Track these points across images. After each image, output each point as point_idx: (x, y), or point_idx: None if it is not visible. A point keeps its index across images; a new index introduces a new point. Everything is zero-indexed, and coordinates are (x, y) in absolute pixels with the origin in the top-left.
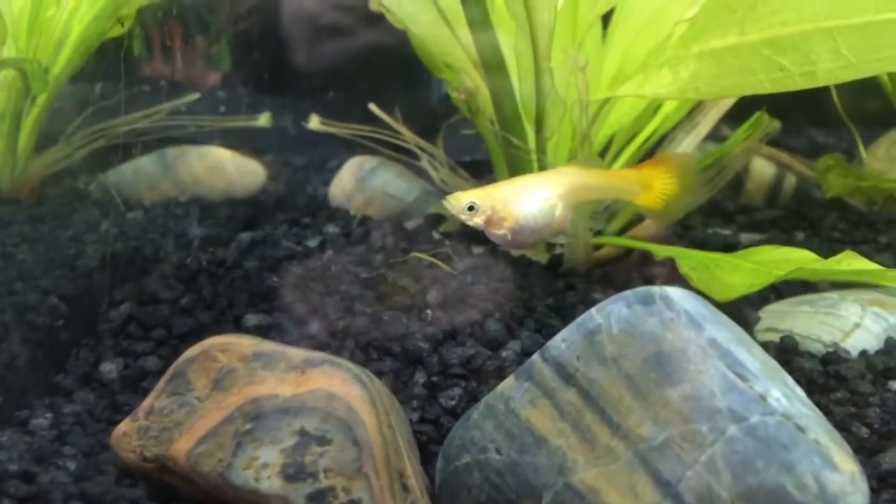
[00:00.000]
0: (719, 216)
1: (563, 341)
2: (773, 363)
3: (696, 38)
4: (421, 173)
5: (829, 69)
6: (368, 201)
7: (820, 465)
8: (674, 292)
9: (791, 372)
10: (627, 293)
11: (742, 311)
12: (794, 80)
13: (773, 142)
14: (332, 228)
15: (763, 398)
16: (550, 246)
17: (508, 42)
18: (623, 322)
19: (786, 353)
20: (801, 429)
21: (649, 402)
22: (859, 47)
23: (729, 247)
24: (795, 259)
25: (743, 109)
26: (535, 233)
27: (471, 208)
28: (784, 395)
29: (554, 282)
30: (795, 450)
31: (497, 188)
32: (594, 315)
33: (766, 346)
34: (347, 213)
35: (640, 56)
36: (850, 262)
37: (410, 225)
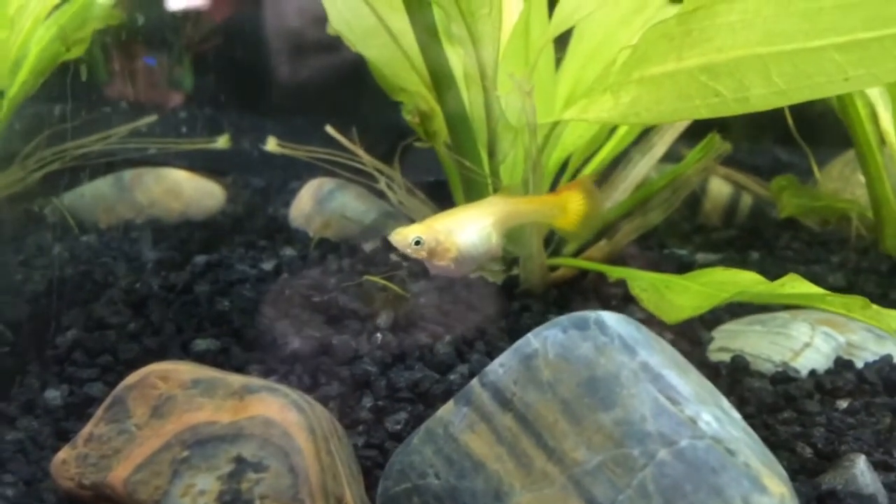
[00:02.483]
0: (676, 236)
1: (501, 366)
2: (710, 386)
3: (636, 65)
4: (383, 195)
5: (761, 95)
6: (326, 223)
7: (749, 488)
8: (608, 317)
9: (741, 392)
10: (563, 318)
11: (695, 330)
12: (728, 105)
13: (738, 161)
14: (288, 251)
15: (693, 421)
16: (507, 267)
17: (460, 65)
18: (559, 347)
19: (736, 372)
20: (730, 452)
21: (583, 427)
22: (790, 74)
23: (684, 267)
24: (742, 281)
25: (706, 129)
26: (475, 260)
27: (417, 243)
28: (715, 418)
29: (509, 303)
30: (724, 473)
31: (437, 221)
32: (531, 340)
33: (717, 365)
34: (306, 235)
35: (589, 81)
36: (793, 286)
37: (368, 247)
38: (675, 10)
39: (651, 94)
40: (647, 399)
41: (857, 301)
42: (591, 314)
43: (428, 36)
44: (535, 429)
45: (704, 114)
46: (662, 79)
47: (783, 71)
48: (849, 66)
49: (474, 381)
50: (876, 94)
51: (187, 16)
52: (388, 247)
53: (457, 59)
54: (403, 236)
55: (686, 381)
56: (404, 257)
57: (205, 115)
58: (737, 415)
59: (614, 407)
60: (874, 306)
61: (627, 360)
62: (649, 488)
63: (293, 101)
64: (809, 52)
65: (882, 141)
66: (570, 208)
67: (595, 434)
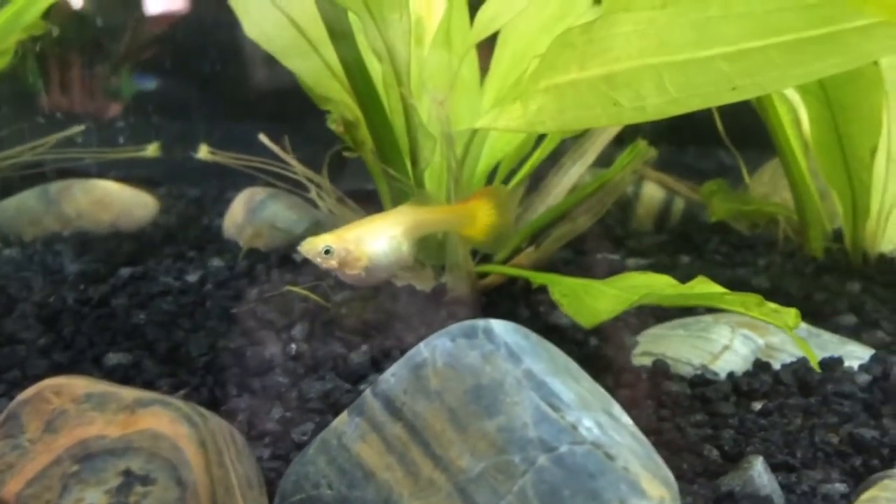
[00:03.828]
0: (610, 241)
1: (393, 375)
2: (601, 392)
3: (543, 74)
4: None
5: (656, 104)
6: (258, 233)
7: (627, 491)
8: (497, 325)
9: (659, 395)
10: (453, 326)
11: (621, 335)
12: (626, 114)
13: (684, 164)
14: (216, 262)
15: (574, 427)
16: (436, 274)
17: (380, 73)
18: (447, 355)
19: (657, 376)
20: (609, 457)
21: (468, 435)
22: (681, 83)
23: (615, 272)
24: (654, 284)
25: (652, 133)
26: (386, 269)
27: (327, 252)
28: (597, 423)
29: (436, 312)
30: (602, 478)
31: (348, 230)
32: (422, 349)
33: (639, 370)
34: (237, 245)
35: (508, 88)
36: (699, 287)
37: (299, 257)
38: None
39: (555, 103)
40: (530, 406)
41: (752, 299)
42: (481, 322)
43: (346, 44)
44: (423, 437)
45: (605, 122)
46: (566, 88)
47: (675, 80)
48: (735, 75)
49: (367, 391)
50: (798, 99)
51: (126, 25)
52: None
53: (377, 66)
54: (313, 245)
55: (570, 388)
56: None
57: (146, 124)
58: (627, 420)
59: (498, 414)
60: (770, 304)
61: (512, 367)
62: (529, 494)
63: (237, 110)
64: (699, 62)
65: (806, 145)
66: (479, 217)
67: (479, 441)
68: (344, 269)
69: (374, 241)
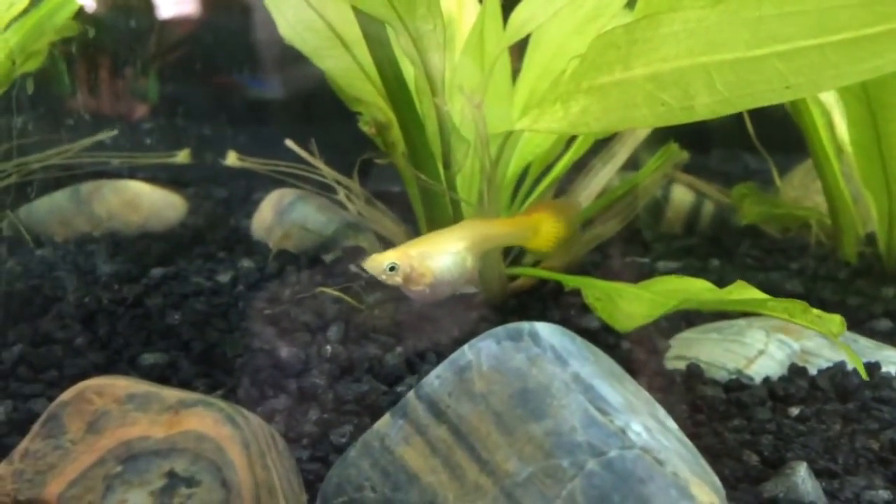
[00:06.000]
0: (640, 244)
1: (437, 378)
2: (646, 396)
3: (585, 74)
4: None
5: (706, 104)
6: (287, 235)
7: (676, 497)
8: (542, 328)
9: (694, 399)
10: (498, 329)
11: (653, 339)
12: (675, 114)
13: (709, 168)
14: (246, 263)
15: (623, 432)
16: None
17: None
18: (492, 358)
19: (691, 380)
20: (659, 462)
21: (515, 438)
22: (732, 83)
23: (645, 275)
24: (691, 289)
25: (675, 136)
26: (450, 285)
27: (392, 269)
28: (646, 428)
29: (467, 314)
30: (652, 483)
31: (412, 246)
32: (466, 351)
33: (672, 374)
34: (267, 247)
35: (544, 90)
36: (738, 292)
37: (329, 258)
38: (630, 18)
39: (599, 104)
40: (578, 410)
41: (797, 305)
42: (526, 325)
43: (381, 47)
44: (468, 441)
45: (651, 123)
46: (610, 88)
47: (726, 80)
48: (790, 74)
49: (410, 394)
50: (832, 102)
51: (152, 28)
52: (351, 257)
53: (410, 69)
54: (378, 262)
55: (618, 392)
56: (363, 269)
57: (173, 125)
58: (672, 424)
59: (545, 418)
60: (815, 310)
61: (559, 371)
62: (578, 499)
63: (265, 112)
64: (751, 61)
65: (839, 149)
66: (542, 230)
67: (526, 445)
68: (408, 286)
69: (439, 256)
